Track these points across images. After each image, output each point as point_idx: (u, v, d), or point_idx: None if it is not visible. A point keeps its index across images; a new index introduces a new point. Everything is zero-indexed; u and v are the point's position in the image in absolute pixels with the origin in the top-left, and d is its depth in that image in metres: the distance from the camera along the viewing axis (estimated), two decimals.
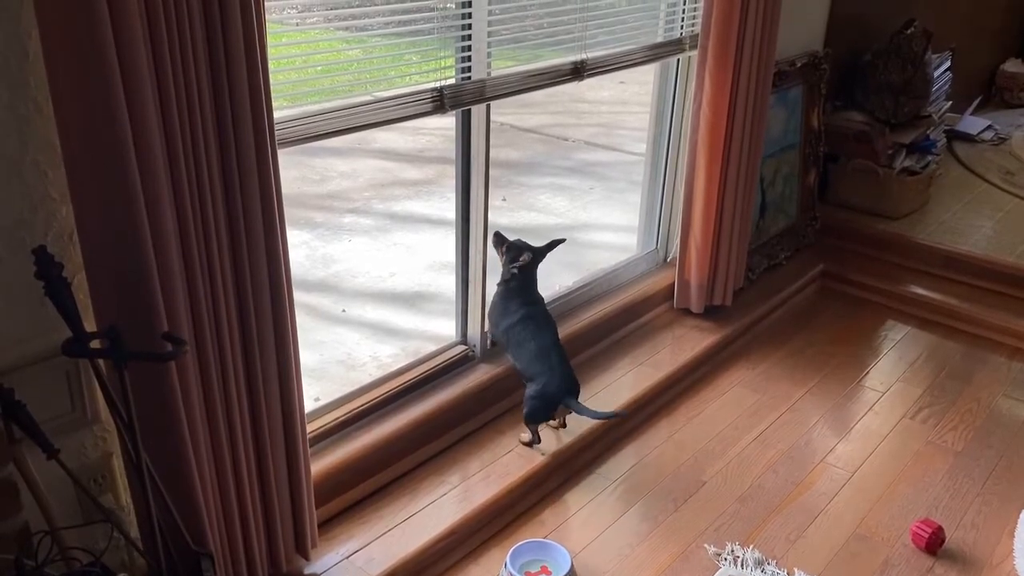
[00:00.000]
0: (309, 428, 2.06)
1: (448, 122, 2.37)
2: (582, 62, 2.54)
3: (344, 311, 3.60)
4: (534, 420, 2.41)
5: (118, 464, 1.66)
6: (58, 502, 1.51)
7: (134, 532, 1.67)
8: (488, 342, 2.61)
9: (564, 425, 2.49)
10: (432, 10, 2.11)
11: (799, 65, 3.49)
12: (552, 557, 2.09)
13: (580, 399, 2.43)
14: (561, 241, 2.57)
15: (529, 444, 2.43)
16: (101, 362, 1.44)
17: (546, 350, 2.43)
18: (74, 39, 1.28)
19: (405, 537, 2.10)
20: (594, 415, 2.36)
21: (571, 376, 2.42)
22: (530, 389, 2.40)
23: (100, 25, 1.27)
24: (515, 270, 2.49)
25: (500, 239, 2.54)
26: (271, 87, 1.58)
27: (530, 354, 2.43)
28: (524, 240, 2.55)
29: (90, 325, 1.45)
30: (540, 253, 2.52)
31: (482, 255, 2.50)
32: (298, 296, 1.80)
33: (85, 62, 1.29)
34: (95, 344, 1.39)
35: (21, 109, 1.38)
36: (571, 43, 2.51)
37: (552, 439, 2.46)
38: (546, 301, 2.58)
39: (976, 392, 2.94)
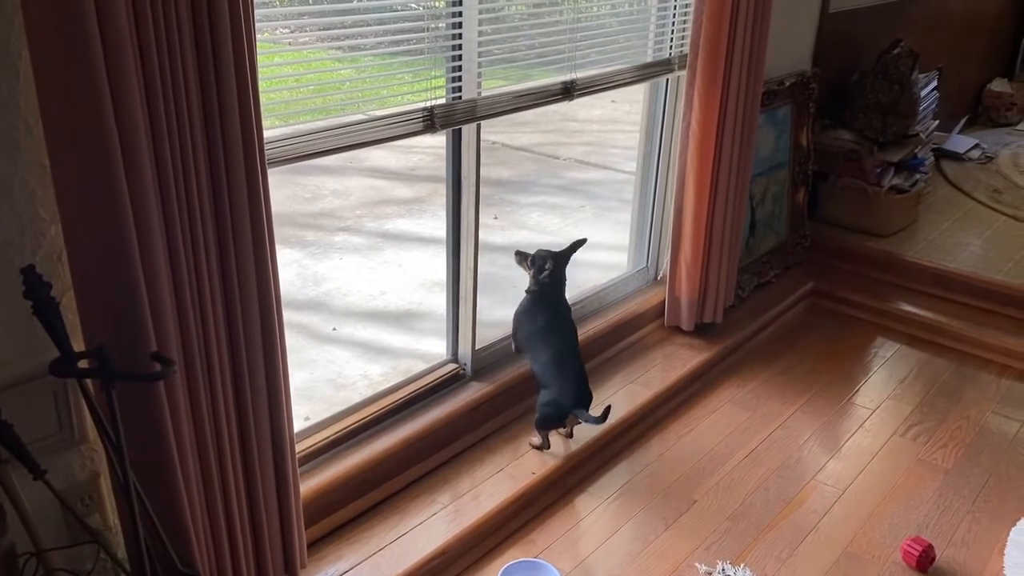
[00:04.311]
0: (298, 447, 2.05)
1: (440, 140, 2.38)
2: (572, 82, 2.56)
3: (334, 330, 3.59)
4: (545, 427, 2.46)
5: (106, 484, 1.65)
6: (45, 523, 1.50)
7: (121, 553, 1.66)
8: (474, 360, 2.61)
9: (571, 435, 2.53)
10: (423, 30, 2.13)
11: (788, 84, 3.51)
12: None
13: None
14: (582, 242, 2.59)
15: (539, 448, 2.46)
16: (89, 382, 1.43)
17: (564, 359, 2.48)
18: (64, 60, 1.29)
19: (395, 557, 2.08)
20: (591, 420, 2.42)
21: (585, 388, 2.48)
22: (543, 396, 2.46)
23: (90, 45, 1.28)
24: (546, 280, 2.52)
25: (522, 256, 2.59)
26: (262, 106, 1.58)
27: (547, 361, 2.48)
28: (545, 249, 2.57)
29: (78, 345, 1.45)
30: (563, 257, 2.56)
31: (473, 273, 2.50)
32: (288, 315, 1.80)
33: (75, 82, 1.30)
34: (83, 364, 1.39)
35: (11, 130, 1.38)
36: (561, 63, 2.53)
37: (543, 459, 2.45)
38: None
39: (965, 409, 2.95)
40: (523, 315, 2.56)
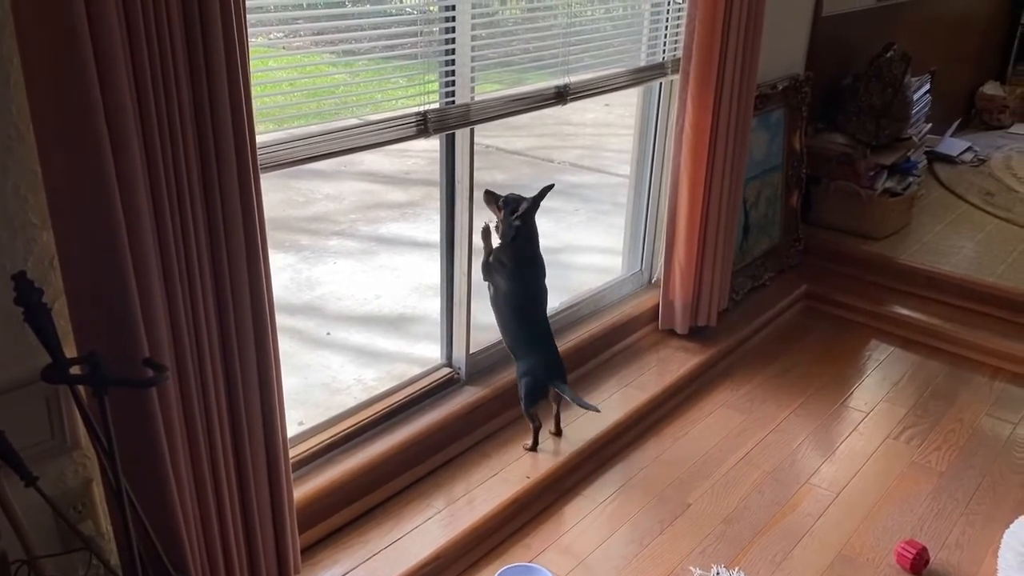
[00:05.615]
0: (292, 452, 2.05)
1: (434, 143, 2.38)
2: (566, 86, 2.56)
3: (328, 334, 3.58)
4: (531, 400, 2.45)
5: (98, 491, 1.64)
6: (37, 530, 1.49)
7: (114, 560, 1.65)
8: (466, 364, 2.60)
9: (559, 414, 2.54)
10: (417, 35, 2.13)
11: (781, 88, 3.52)
12: None
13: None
14: (550, 187, 2.47)
15: (533, 448, 2.48)
16: (81, 388, 1.43)
17: (536, 332, 2.48)
18: (56, 65, 1.28)
19: (390, 563, 2.08)
20: (579, 403, 2.44)
21: (558, 358, 2.49)
22: (519, 367, 2.47)
23: (81, 51, 1.28)
24: (517, 221, 2.43)
25: (492, 196, 2.48)
26: (255, 111, 1.58)
27: (519, 332, 2.48)
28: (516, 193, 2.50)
29: (70, 351, 1.44)
30: (534, 202, 2.45)
31: (467, 277, 2.50)
32: (282, 319, 1.79)
33: (66, 88, 1.29)
34: (75, 370, 1.38)
35: (2, 135, 1.37)
36: (555, 67, 2.53)
37: (537, 463, 2.45)
38: None
39: (959, 412, 2.95)
40: (500, 266, 2.46)
